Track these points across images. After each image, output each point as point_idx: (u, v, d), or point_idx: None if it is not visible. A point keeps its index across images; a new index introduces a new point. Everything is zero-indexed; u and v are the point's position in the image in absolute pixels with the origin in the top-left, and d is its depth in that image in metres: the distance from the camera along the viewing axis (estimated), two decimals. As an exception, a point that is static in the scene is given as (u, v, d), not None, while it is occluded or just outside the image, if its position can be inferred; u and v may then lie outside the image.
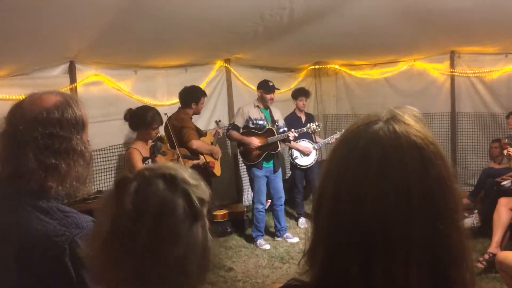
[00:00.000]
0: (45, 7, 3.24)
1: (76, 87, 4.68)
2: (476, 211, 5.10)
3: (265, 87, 5.32)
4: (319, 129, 5.82)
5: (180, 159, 4.37)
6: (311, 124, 5.65)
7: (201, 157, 4.85)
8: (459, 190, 0.81)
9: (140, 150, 4.03)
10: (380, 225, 0.73)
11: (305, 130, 5.65)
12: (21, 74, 4.31)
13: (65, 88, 4.60)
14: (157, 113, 4.21)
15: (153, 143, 4.09)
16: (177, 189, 0.95)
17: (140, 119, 4.12)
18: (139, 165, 3.82)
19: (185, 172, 1.00)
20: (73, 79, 4.67)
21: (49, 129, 1.31)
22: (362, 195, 0.74)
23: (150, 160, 3.85)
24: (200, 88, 5.02)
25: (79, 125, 1.38)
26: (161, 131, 5.01)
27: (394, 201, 0.73)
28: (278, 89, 5.45)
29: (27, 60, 4.16)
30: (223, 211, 5.68)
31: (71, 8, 3.37)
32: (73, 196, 1.39)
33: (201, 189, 1.00)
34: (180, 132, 4.65)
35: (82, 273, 1.22)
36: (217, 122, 5.88)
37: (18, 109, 1.35)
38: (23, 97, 4.18)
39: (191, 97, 4.88)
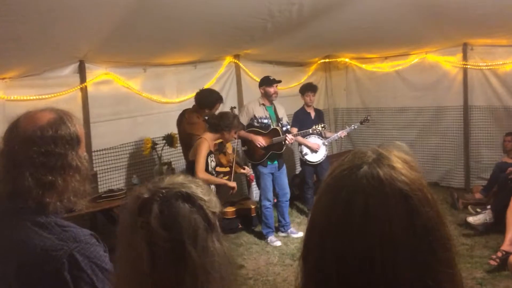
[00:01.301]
0: (53, 10, 3.25)
1: (86, 87, 4.72)
2: (489, 206, 5.04)
3: (266, 81, 5.30)
4: (324, 130, 5.79)
5: (234, 163, 4.59)
6: (317, 126, 5.62)
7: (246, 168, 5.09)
8: (451, 236, 0.77)
9: (210, 143, 4.13)
10: (366, 280, 0.71)
11: (310, 131, 5.62)
12: (31, 75, 4.35)
13: (75, 88, 4.65)
14: (236, 121, 4.32)
15: (220, 143, 4.36)
16: (194, 206, 0.99)
17: (218, 120, 4.20)
18: (204, 155, 3.99)
19: (198, 188, 1.04)
20: (83, 79, 4.70)
21: (44, 147, 1.32)
22: (346, 249, 0.72)
23: (213, 155, 4.09)
24: (217, 93, 4.89)
25: (74, 141, 1.38)
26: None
27: (380, 257, 0.70)
28: (280, 81, 5.36)
29: (37, 61, 4.19)
30: (233, 208, 5.70)
31: (79, 10, 3.38)
32: (71, 210, 1.42)
33: (212, 203, 1.04)
34: (188, 138, 4.65)
35: (82, 286, 1.24)
36: (232, 109, 5.69)
37: (14, 128, 1.36)
38: (35, 98, 4.22)
39: (206, 102, 4.74)
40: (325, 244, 0.75)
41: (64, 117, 1.40)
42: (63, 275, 1.23)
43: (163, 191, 0.99)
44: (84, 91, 4.71)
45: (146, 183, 1.05)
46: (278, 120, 5.40)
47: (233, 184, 4.49)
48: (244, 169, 4.88)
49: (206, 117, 4.39)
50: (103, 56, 4.74)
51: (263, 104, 5.35)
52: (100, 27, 3.93)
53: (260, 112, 5.32)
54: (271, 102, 5.38)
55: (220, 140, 4.50)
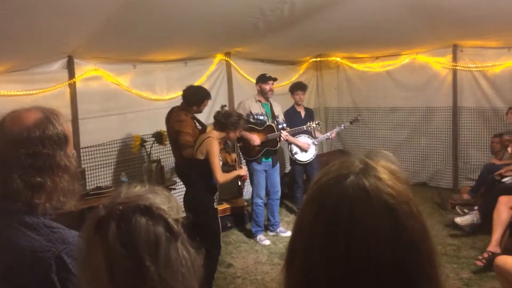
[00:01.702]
0: (41, 4, 3.20)
1: (74, 82, 4.67)
2: (476, 207, 5.08)
3: (262, 78, 5.36)
4: (319, 127, 5.83)
5: (236, 161, 4.58)
6: (311, 122, 5.68)
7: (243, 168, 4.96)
8: (436, 250, 0.77)
9: (217, 142, 4.08)
10: None
11: (304, 128, 5.66)
12: (19, 70, 4.29)
13: (63, 84, 4.60)
14: (243, 120, 4.23)
15: (226, 141, 4.39)
16: (154, 218, 0.97)
17: (226, 119, 4.13)
18: (217, 154, 3.95)
19: (157, 198, 1.02)
20: (71, 74, 4.65)
21: (31, 149, 1.31)
22: (332, 259, 0.72)
23: (220, 155, 4.07)
24: (205, 90, 4.86)
25: (62, 141, 1.36)
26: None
27: (365, 268, 0.70)
28: (276, 79, 5.40)
29: (25, 56, 4.13)
30: (224, 206, 5.69)
31: (67, 5, 3.33)
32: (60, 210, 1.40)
33: (174, 210, 1.02)
34: (176, 135, 4.62)
35: None
36: (223, 107, 5.67)
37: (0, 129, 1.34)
38: (22, 93, 4.15)
39: (194, 99, 4.71)
40: (311, 253, 0.75)
41: (51, 116, 1.38)
42: (51, 277, 1.23)
43: (120, 207, 0.96)
44: (72, 87, 4.66)
45: (104, 202, 1.01)
46: (274, 117, 5.44)
47: (243, 172, 4.42)
48: (242, 168, 4.89)
49: (219, 112, 4.34)
50: (92, 52, 4.69)
51: (259, 101, 5.39)
52: (90, 23, 3.88)
53: (256, 108, 5.35)
54: (267, 99, 5.42)
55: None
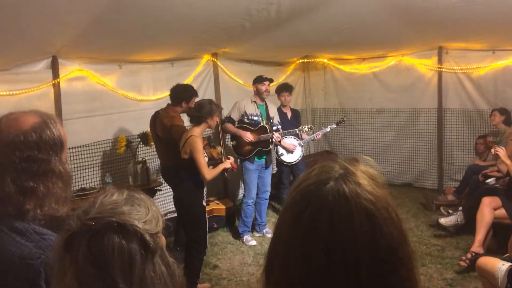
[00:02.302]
0: (23, 3, 3.16)
1: (59, 83, 4.60)
2: (460, 208, 5.13)
3: (258, 79, 5.42)
4: (311, 132, 5.86)
5: (222, 153, 4.52)
6: (303, 126, 5.75)
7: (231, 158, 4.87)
8: (414, 256, 0.78)
9: (200, 139, 4.06)
10: None
11: (297, 131, 5.68)
12: (2, 70, 4.22)
13: (48, 84, 4.53)
14: (214, 105, 4.18)
15: (208, 135, 4.36)
16: (128, 235, 0.91)
17: (199, 111, 4.09)
18: (202, 151, 3.95)
19: (133, 210, 0.95)
20: (56, 74, 4.58)
21: (27, 153, 1.29)
22: (310, 266, 0.72)
23: (205, 150, 4.05)
24: (193, 88, 4.88)
25: (58, 146, 1.35)
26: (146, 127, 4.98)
27: (344, 274, 0.70)
28: (271, 80, 5.47)
29: (8, 55, 4.06)
30: (209, 207, 5.67)
31: (50, 4, 3.29)
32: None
33: (152, 224, 0.96)
34: (170, 130, 4.60)
35: None
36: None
37: None
38: (5, 93, 4.07)
39: (183, 95, 4.70)
40: (289, 261, 0.75)
41: (48, 121, 1.36)
42: (40, 285, 1.21)
43: (92, 223, 0.90)
44: (56, 87, 4.59)
45: (76, 212, 0.96)
46: (269, 118, 5.49)
47: (228, 164, 4.29)
48: (229, 158, 4.87)
49: (190, 108, 4.33)
50: (77, 51, 4.64)
51: (255, 102, 5.43)
52: (75, 22, 3.84)
53: (251, 109, 5.39)
54: (263, 100, 5.47)
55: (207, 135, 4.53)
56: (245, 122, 5.35)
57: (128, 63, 5.30)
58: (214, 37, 5.20)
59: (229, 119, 5.38)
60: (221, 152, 4.57)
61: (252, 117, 5.38)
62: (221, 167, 4.24)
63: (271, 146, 5.49)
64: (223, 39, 5.33)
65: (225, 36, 5.19)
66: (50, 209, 1.33)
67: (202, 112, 4.04)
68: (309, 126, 5.79)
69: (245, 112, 5.38)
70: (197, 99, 4.58)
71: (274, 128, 5.47)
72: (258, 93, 5.42)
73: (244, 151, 5.31)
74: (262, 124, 5.38)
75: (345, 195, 0.73)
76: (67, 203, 1.38)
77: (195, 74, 6.03)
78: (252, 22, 4.72)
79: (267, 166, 5.49)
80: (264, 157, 5.42)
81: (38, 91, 4.45)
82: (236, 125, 5.38)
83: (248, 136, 5.23)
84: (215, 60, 6.29)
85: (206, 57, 6.20)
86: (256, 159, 5.36)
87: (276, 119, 5.61)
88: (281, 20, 4.84)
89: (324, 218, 0.72)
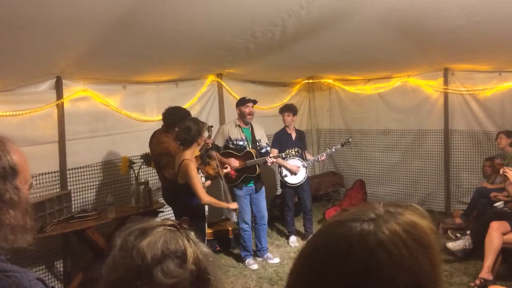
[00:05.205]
0: (28, 24, 3.16)
1: (62, 103, 4.61)
2: (468, 232, 5.02)
3: (241, 101, 5.26)
4: (297, 155, 5.57)
5: (218, 166, 4.58)
6: (290, 150, 5.46)
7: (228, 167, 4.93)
8: None
9: (193, 160, 4.05)
10: None
11: (283, 156, 5.49)
12: (6, 90, 4.23)
13: (51, 104, 4.54)
14: (199, 123, 4.17)
15: (201, 154, 4.39)
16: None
17: (189, 134, 4.06)
18: (196, 176, 3.98)
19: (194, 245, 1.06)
20: (60, 95, 4.59)
21: None
22: None
23: (200, 170, 4.07)
24: (184, 110, 4.77)
25: (7, 173, 1.22)
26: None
27: None
28: (255, 101, 5.27)
29: (11, 76, 4.08)
30: (210, 230, 5.58)
31: (54, 25, 3.30)
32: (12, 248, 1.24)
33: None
34: (158, 158, 4.58)
35: None
36: (210, 128, 5.21)
37: None
38: (9, 114, 4.02)
39: (174, 120, 4.57)
40: None
41: None
42: None
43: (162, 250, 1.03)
44: (60, 107, 4.60)
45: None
46: (255, 141, 5.32)
47: (234, 206, 4.48)
48: (226, 168, 4.81)
49: (178, 132, 4.25)
50: (81, 72, 4.65)
51: (239, 126, 5.29)
52: (79, 44, 3.85)
53: (236, 134, 5.26)
54: (247, 124, 5.32)
55: (201, 154, 4.50)
56: (230, 148, 5.19)
57: (132, 83, 5.31)
58: (219, 58, 5.20)
59: (214, 146, 5.10)
60: (217, 165, 4.54)
61: (237, 142, 5.22)
62: (225, 205, 4.39)
63: (258, 170, 5.29)
64: (227, 60, 5.33)
65: (230, 57, 5.19)
66: (7, 241, 1.20)
67: (192, 134, 4.02)
68: (295, 150, 5.47)
69: (230, 137, 5.22)
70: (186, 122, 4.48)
71: (263, 150, 5.33)
72: (241, 116, 5.25)
73: (231, 178, 5.13)
74: (248, 149, 5.22)
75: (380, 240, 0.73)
76: (28, 232, 1.26)
77: (200, 94, 6.03)
78: (257, 43, 4.71)
79: (257, 190, 5.32)
80: (252, 181, 5.26)
81: (41, 112, 4.45)
82: (221, 151, 5.21)
83: (233, 164, 5.07)
84: (220, 80, 6.29)
85: (211, 78, 6.20)
86: (243, 185, 5.21)
87: (264, 141, 5.44)
88: (285, 41, 4.83)
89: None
